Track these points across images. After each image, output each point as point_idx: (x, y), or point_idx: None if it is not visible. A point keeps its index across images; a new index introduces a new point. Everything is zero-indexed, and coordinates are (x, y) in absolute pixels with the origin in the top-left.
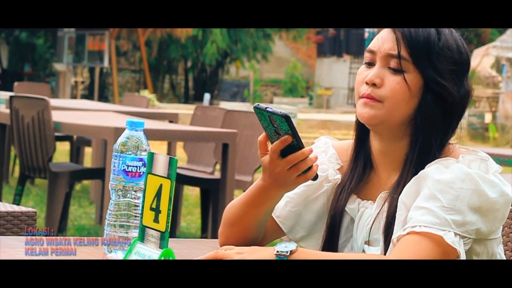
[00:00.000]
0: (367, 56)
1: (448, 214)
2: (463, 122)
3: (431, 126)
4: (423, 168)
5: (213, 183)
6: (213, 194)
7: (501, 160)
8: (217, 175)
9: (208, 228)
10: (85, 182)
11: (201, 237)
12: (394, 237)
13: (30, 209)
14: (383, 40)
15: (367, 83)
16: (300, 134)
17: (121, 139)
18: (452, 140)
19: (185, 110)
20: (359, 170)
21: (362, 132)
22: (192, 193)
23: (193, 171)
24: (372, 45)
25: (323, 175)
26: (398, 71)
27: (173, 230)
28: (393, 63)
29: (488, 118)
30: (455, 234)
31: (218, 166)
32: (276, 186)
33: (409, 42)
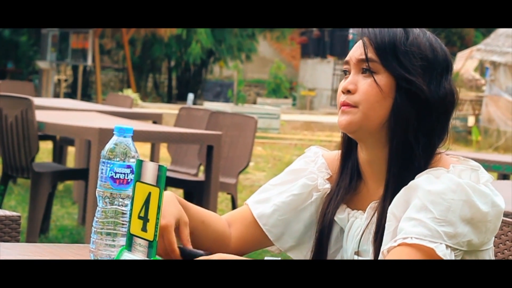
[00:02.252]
0: (344, 67)
1: (439, 226)
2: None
3: (406, 126)
4: (409, 174)
5: (197, 185)
6: (197, 196)
7: (486, 165)
8: (201, 176)
9: None
10: (68, 182)
11: None
12: (384, 248)
13: (14, 213)
14: (354, 48)
15: (343, 92)
16: (284, 135)
17: (109, 145)
18: (440, 148)
19: (168, 109)
20: (348, 181)
21: (348, 143)
22: (175, 193)
23: (177, 173)
24: (347, 56)
25: (312, 184)
26: (368, 72)
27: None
28: (364, 67)
29: (471, 121)
30: (447, 246)
31: (202, 168)
32: None
33: (375, 44)
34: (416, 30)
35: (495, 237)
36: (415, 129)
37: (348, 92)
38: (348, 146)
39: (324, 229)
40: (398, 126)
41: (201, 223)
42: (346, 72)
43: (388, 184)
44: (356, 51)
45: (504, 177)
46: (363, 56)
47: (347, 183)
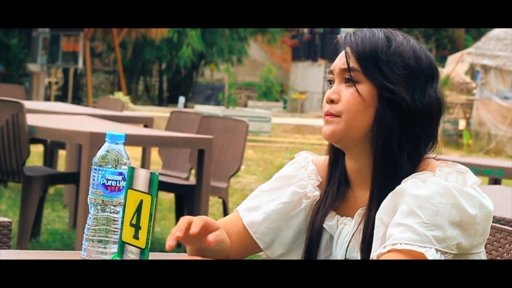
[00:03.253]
0: (329, 76)
1: (428, 230)
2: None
3: (390, 135)
4: (394, 181)
5: (188, 189)
6: (188, 200)
7: (477, 170)
8: (192, 180)
9: None
10: (59, 185)
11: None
12: (374, 254)
13: (6, 219)
14: (337, 58)
15: (327, 101)
16: (275, 138)
17: (100, 152)
18: (430, 153)
19: (159, 112)
20: (336, 188)
21: (336, 152)
22: (166, 198)
23: (168, 177)
24: (331, 66)
25: (302, 192)
26: (351, 82)
27: None
28: (346, 76)
29: (462, 124)
30: (436, 250)
31: (193, 171)
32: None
33: (356, 53)
34: (399, 38)
35: (488, 243)
36: (399, 137)
37: (331, 101)
38: (335, 155)
39: (314, 236)
40: (381, 135)
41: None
42: (330, 82)
43: (373, 193)
44: (339, 61)
45: (495, 181)
46: (346, 66)
47: (335, 191)
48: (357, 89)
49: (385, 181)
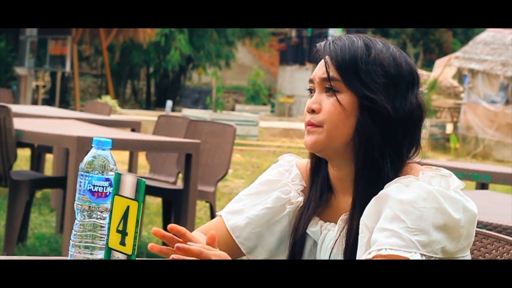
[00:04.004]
0: (309, 86)
1: (413, 235)
2: (423, 136)
3: (371, 144)
4: (377, 187)
5: (175, 193)
6: (175, 205)
7: (464, 174)
8: (179, 185)
9: None
10: (46, 189)
11: None
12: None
13: None
14: (317, 67)
15: (308, 111)
16: (262, 142)
17: (87, 158)
18: (415, 158)
19: (147, 116)
20: (319, 195)
21: (317, 160)
22: (153, 201)
23: (155, 181)
24: (311, 75)
25: (286, 197)
26: (331, 92)
27: None
28: (327, 86)
29: (449, 128)
30: (421, 255)
31: (180, 176)
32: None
33: (336, 62)
34: (379, 45)
35: (474, 249)
36: (381, 146)
37: (312, 111)
38: (317, 163)
39: (297, 242)
40: (362, 144)
41: None
42: (311, 91)
43: (355, 199)
44: (319, 70)
45: (482, 186)
46: (326, 75)
47: (318, 197)
48: (337, 99)
49: (367, 187)
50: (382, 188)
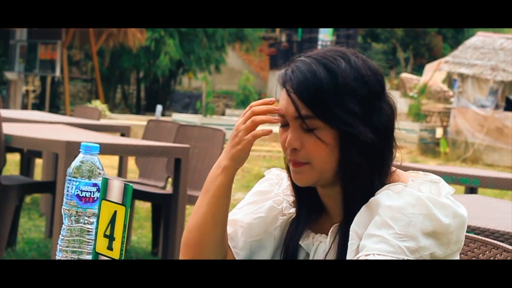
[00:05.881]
0: (279, 118)
1: (401, 241)
2: (408, 137)
3: (358, 169)
4: (367, 198)
5: (165, 198)
6: (164, 209)
7: (453, 178)
8: (169, 189)
9: (159, 243)
10: (36, 194)
11: (152, 252)
12: None
13: None
14: (286, 103)
15: (288, 148)
16: (252, 147)
17: (75, 163)
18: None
19: (137, 121)
20: (307, 211)
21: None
22: (143, 206)
23: (145, 186)
24: (280, 106)
25: (279, 208)
26: (309, 130)
27: None
28: (302, 124)
29: (439, 133)
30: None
31: (170, 180)
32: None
33: (303, 99)
34: (342, 65)
35: (462, 253)
36: (368, 166)
37: (294, 149)
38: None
39: (289, 254)
40: (350, 171)
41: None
42: (283, 123)
43: (345, 212)
44: (288, 108)
45: (471, 190)
46: (297, 114)
47: (307, 211)
48: (318, 137)
49: (357, 199)
50: (371, 196)
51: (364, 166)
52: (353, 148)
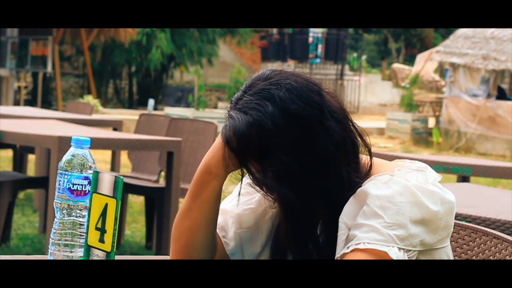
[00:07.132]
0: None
1: (391, 230)
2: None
3: (329, 186)
4: (349, 192)
5: (158, 191)
6: (158, 203)
7: (445, 167)
8: (162, 183)
9: (153, 237)
10: (29, 190)
11: (146, 246)
12: (337, 255)
13: None
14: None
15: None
16: None
17: (66, 156)
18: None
19: (129, 115)
20: None
21: None
22: (136, 200)
23: (138, 179)
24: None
25: (268, 202)
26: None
27: (118, 239)
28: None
29: (431, 122)
30: (399, 248)
31: (163, 174)
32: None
33: (241, 158)
34: (269, 109)
35: (452, 241)
36: (337, 176)
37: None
38: None
39: (279, 246)
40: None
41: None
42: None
43: (331, 208)
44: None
45: (463, 179)
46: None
47: None
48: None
49: (340, 195)
50: (355, 190)
51: (335, 178)
52: (313, 171)
